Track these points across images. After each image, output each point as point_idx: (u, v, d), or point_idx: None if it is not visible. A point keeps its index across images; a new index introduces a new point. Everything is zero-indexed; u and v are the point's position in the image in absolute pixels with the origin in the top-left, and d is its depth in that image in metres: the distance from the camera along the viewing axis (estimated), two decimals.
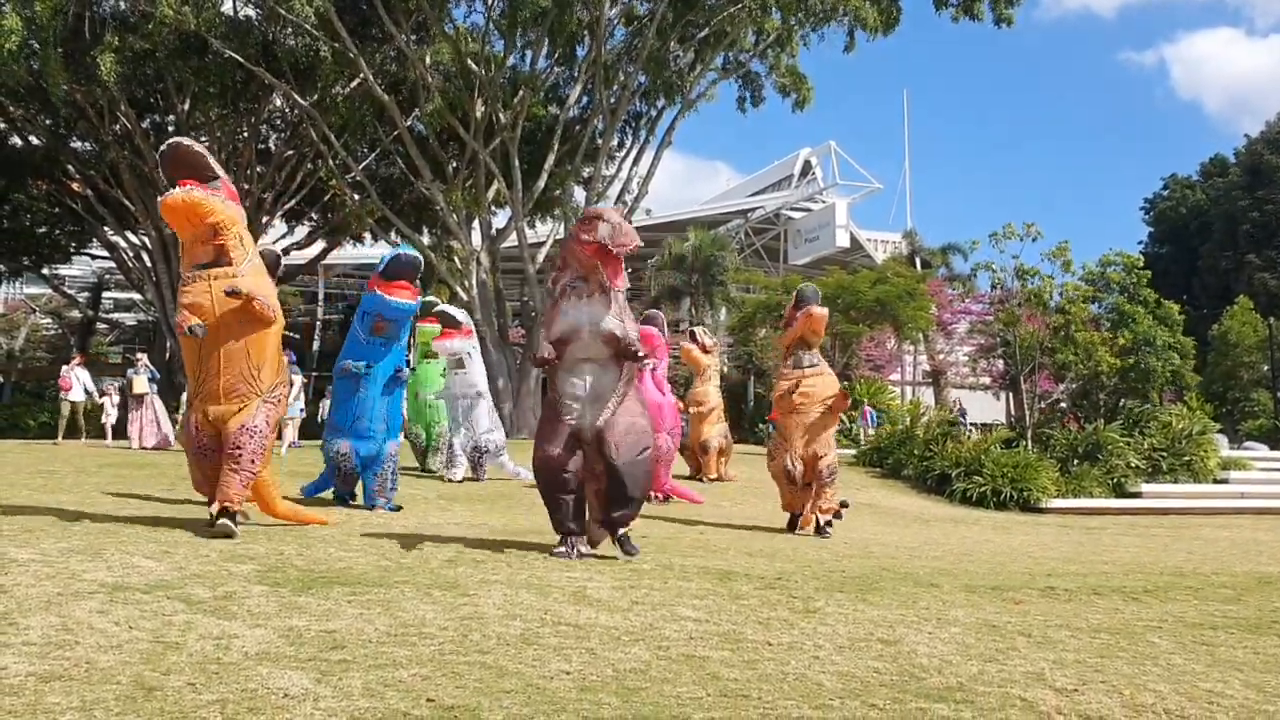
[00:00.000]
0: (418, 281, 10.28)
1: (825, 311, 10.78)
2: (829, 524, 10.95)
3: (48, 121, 29.34)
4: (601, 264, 7.42)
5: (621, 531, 7.56)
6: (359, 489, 10.60)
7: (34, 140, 30.67)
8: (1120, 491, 20.09)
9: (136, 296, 41.45)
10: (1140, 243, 62.54)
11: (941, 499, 18.75)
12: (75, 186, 31.99)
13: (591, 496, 7.53)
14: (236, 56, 24.62)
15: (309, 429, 21.71)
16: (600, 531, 7.67)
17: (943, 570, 8.26)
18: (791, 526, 11.20)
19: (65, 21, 22.99)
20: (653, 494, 12.45)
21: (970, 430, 24.84)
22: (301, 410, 20.68)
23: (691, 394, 17.93)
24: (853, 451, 24.53)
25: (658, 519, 11.23)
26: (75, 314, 41.22)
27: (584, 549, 7.50)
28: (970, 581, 7.64)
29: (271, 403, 7.78)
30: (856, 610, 5.96)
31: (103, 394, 22.46)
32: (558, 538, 7.55)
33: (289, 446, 18.65)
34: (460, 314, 14.24)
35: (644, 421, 7.53)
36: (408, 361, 11.74)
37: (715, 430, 17.87)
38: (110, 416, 21.77)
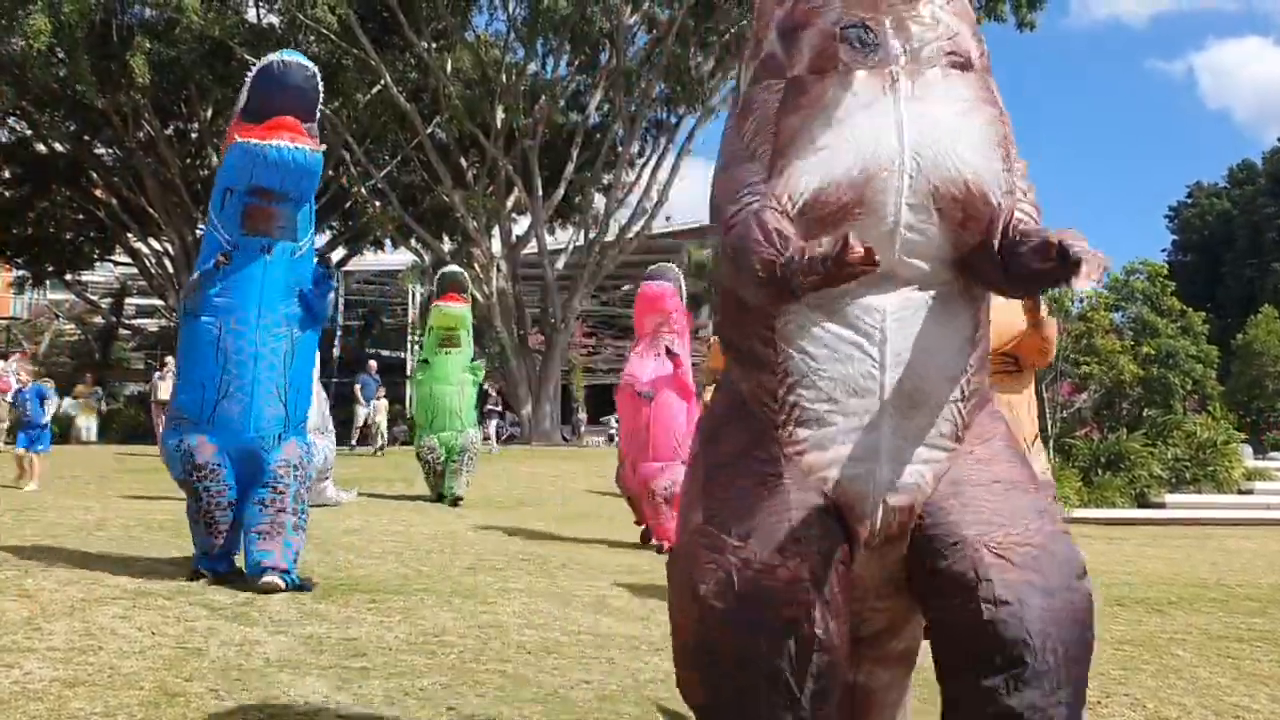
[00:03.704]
0: (312, 124, 5.87)
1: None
2: None
3: (72, 128, 29.59)
4: None
5: None
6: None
7: (58, 147, 30.93)
8: (1143, 502, 19.93)
9: (159, 303, 41.72)
10: (1164, 250, 62.15)
11: None
12: (99, 193, 32.23)
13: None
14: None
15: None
16: None
17: None
18: None
19: (93, 27, 23.22)
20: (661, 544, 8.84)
21: None
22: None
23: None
24: None
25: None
26: (98, 320, 41.53)
27: None
28: None
29: None
30: None
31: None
32: None
33: None
34: None
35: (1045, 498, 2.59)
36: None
37: None
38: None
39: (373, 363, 23.29)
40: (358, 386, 20.73)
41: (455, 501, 11.75)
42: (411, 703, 3.70)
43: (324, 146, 5.99)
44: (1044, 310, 5.16)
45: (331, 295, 6.08)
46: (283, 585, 5.57)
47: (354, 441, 20.18)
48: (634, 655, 4.65)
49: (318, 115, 5.96)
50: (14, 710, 3.38)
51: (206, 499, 5.83)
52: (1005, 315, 5.25)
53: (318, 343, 6.34)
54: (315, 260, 6.29)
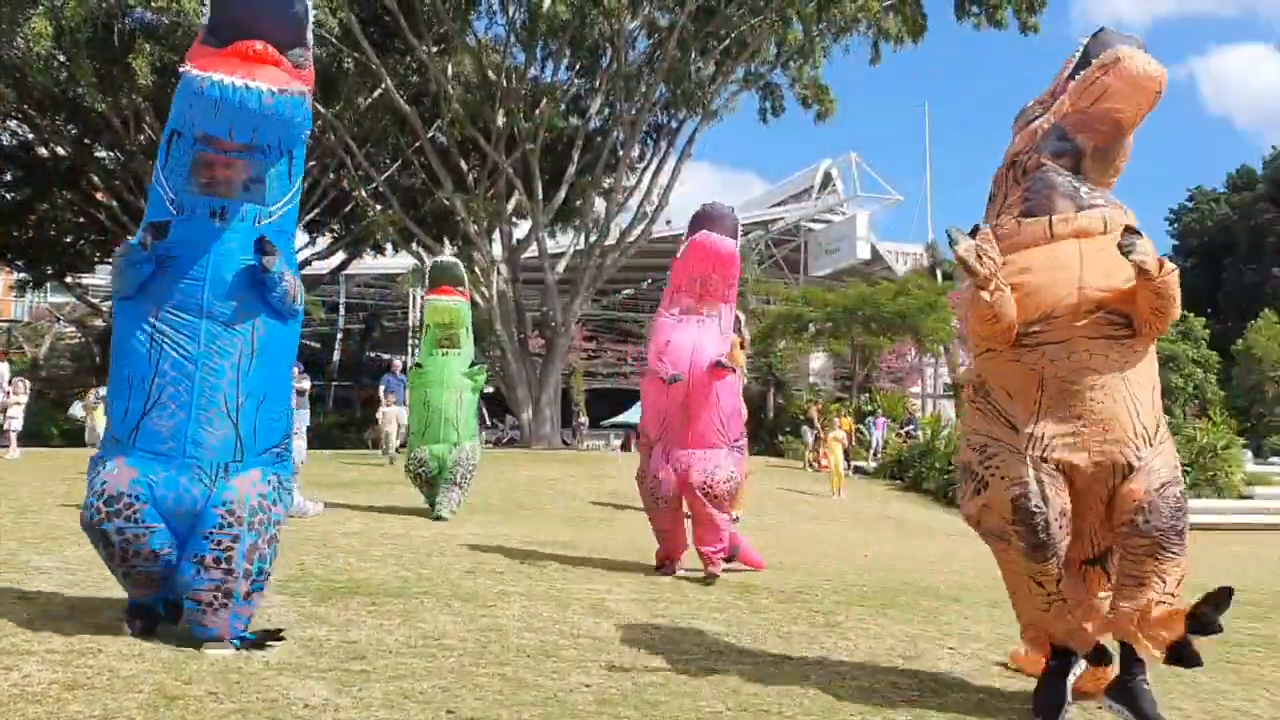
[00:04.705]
0: (300, 50, 4.43)
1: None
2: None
3: (73, 131, 29.65)
4: None
5: None
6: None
7: (60, 150, 30.98)
8: None
9: None
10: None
11: None
12: (100, 196, 32.26)
13: None
14: None
15: (327, 438, 21.68)
16: None
17: (965, 585, 8.21)
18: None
19: (94, 30, 23.25)
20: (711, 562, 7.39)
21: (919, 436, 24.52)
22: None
23: None
24: (872, 464, 24.42)
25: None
26: (98, 323, 41.59)
27: None
28: (993, 596, 7.58)
29: None
30: (877, 625, 5.92)
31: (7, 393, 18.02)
32: None
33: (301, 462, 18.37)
34: None
35: None
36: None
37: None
38: (14, 421, 17.55)
39: (396, 362, 22.01)
40: (382, 388, 19.57)
41: (438, 518, 10.45)
42: (411, 706, 3.70)
43: (308, 85, 4.49)
44: (1151, 260, 3.92)
45: (282, 271, 4.43)
46: (234, 649, 4.35)
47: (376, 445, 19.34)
48: (634, 659, 4.65)
49: (308, 39, 4.47)
50: (13, 713, 3.38)
51: (120, 544, 4.29)
52: (1104, 262, 3.96)
53: (295, 339, 4.74)
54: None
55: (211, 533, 4.26)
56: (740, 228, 7.87)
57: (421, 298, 11.20)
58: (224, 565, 4.25)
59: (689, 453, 7.42)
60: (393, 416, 18.39)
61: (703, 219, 7.60)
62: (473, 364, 11.08)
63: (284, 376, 4.69)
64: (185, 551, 4.33)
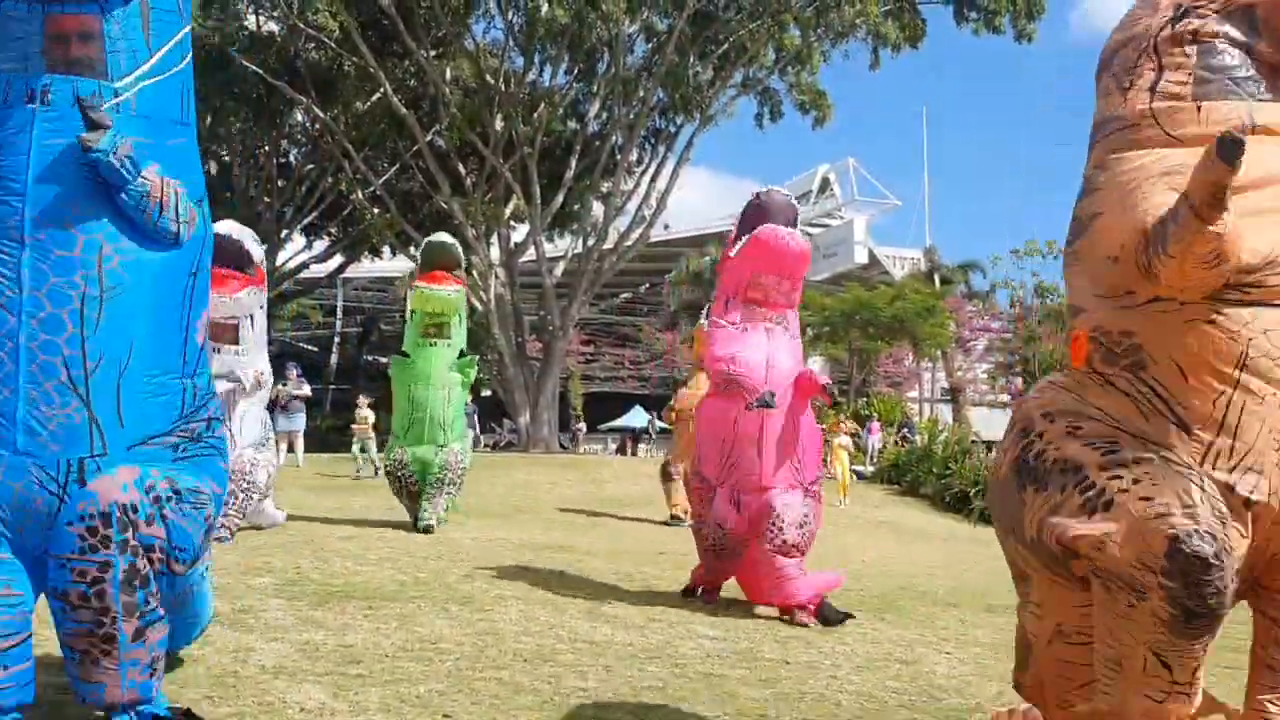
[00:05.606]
0: None
1: None
2: None
3: None
4: None
5: None
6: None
7: None
8: None
9: None
10: None
11: (961, 518, 18.60)
12: None
13: None
14: (259, 70, 24.85)
15: (324, 441, 21.64)
16: None
17: (962, 590, 8.21)
18: None
19: None
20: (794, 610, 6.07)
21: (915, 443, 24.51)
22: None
23: (684, 398, 12.25)
24: (869, 469, 24.42)
25: (676, 537, 11.17)
26: None
27: None
28: (991, 601, 7.59)
29: None
30: (875, 630, 5.92)
31: None
32: None
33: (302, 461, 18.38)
34: (247, 236, 8.30)
35: None
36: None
37: None
38: None
39: None
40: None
41: (426, 529, 9.24)
42: (408, 710, 3.69)
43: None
44: None
45: (122, 155, 3.03)
46: None
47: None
48: (631, 663, 4.64)
49: None
50: None
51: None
52: None
53: (186, 276, 3.26)
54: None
55: (69, 560, 2.96)
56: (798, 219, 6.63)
57: (410, 283, 10.04)
58: (94, 603, 2.97)
59: (758, 497, 6.16)
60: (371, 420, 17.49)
61: (760, 210, 6.34)
62: (461, 353, 9.87)
63: (166, 329, 3.20)
64: (46, 587, 3.06)
